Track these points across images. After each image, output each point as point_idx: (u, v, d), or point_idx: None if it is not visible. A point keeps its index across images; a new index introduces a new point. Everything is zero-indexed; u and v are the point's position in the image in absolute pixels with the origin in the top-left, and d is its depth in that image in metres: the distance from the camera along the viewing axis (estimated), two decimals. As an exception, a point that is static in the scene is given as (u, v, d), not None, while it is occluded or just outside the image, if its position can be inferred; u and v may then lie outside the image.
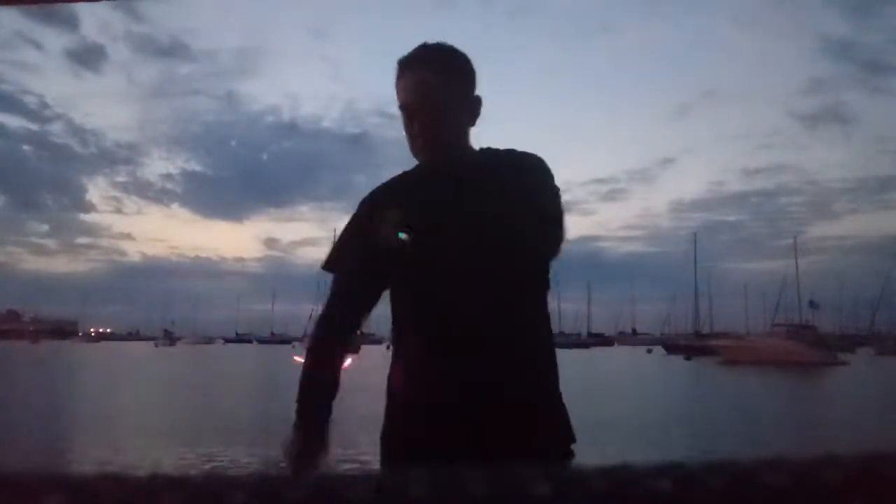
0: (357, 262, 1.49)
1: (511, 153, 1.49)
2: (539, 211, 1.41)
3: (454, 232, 1.41)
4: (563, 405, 1.48)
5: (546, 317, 1.50)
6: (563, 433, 1.46)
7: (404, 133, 1.45)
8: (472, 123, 1.48)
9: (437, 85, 1.40)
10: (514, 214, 1.39)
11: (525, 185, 1.42)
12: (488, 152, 1.51)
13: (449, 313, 1.40)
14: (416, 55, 1.43)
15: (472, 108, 1.47)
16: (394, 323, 1.51)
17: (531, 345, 1.44)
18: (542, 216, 1.41)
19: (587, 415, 11.85)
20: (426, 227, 1.41)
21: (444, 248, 1.40)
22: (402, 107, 1.43)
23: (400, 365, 1.48)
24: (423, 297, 1.45)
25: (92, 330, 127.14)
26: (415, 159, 1.48)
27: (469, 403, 1.36)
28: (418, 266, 1.42)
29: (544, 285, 1.49)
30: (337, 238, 1.60)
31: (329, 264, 1.55)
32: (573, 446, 1.46)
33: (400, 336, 1.50)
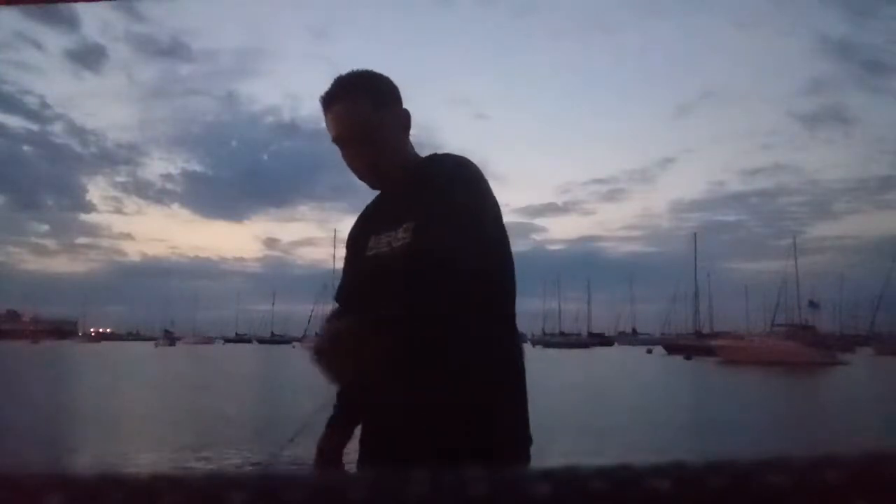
0: (344, 290, 1.62)
1: (439, 164, 1.48)
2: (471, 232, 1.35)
3: (386, 251, 1.45)
4: (507, 419, 1.40)
5: (491, 328, 1.42)
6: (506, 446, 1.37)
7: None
8: (405, 135, 1.53)
9: (361, 111, 1.44)
10: (449, 230, 1.34)
11: (455, 198, 1.38)
12: (424, 164, 1.51)
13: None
14: (334, 88, 1.47)
15: (400, 122, 1.51)
16: None
17: (467, 359, 1.36)
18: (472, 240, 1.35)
19: (588, 415, 11.87)
20: (365, 249, 1.51)
21: (378, 268, 1.46)
22: (334, 139, 1.47)
23: None
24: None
25: (92, 330, 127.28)
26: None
27: (392, 428, 1.39)
28: (359, 284, 1.52)
29: (489, 299, 1.40)
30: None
31: (336, 296, 1.66)
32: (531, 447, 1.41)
33: None
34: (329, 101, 1.46)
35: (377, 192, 1.60)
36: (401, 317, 1.30)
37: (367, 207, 1.65)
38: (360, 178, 1.51)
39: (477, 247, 1.35)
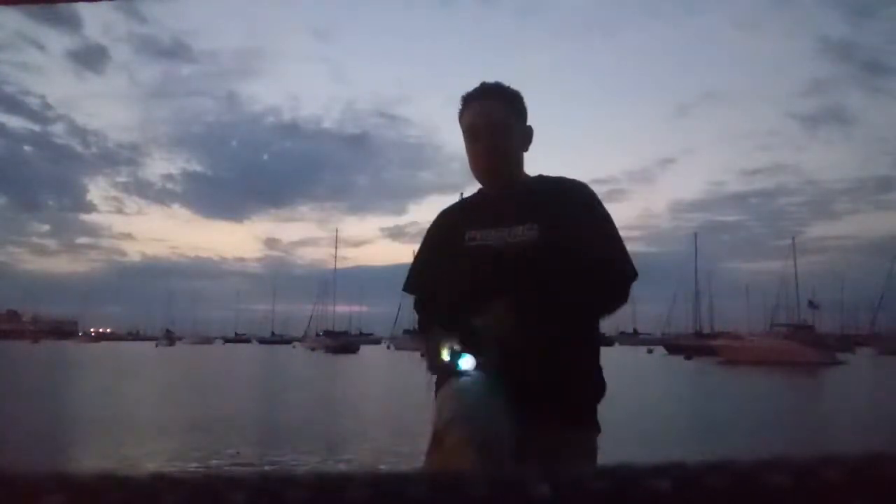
0: (428, 278, 1.74)
1: (561, 181, 1.70)
2: (589, 248, 1.56)
3: (494, 248, 1.60)
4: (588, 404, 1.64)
5: (584, 336, 1.64)
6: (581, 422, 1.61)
7: (466, 154, 1.69)
8: (526, 149, 1.71)
9: (501, 111, 1.65)
10: (558, 240, 1.55)
11: (570, 215, 1.59)
12: (540, 179, 1.71)
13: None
14: (481, 89, 1.68)
15: (524, 135, 1.70)
16: None
17: (555, 361, 1.54)
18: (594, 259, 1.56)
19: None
20: (461, 241, 1.64)
21: (483, 264, 1.58)
22: (469, 128, 1.66)
23: None
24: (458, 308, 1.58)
25: (92, 330, 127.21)
26: (475, 181, 1.72)
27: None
28: (458, 278, 1.61)
29: (587, 309, 1.62)
30: (413, 259, 1.83)
31: (409, 287, 1.79)
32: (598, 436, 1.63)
33: None
34: (475, 96, 1.67)
35: (465, 198, 1.78)
36: (534, 298, 1.50)
37: (457, 206, 1.79)
38: (479, 170, 1.67)
39: (594, 248, 1.57)
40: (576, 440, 1.56)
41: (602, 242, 1.60)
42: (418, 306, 1.80)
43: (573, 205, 1.61)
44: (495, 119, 1.64)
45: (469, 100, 1.69)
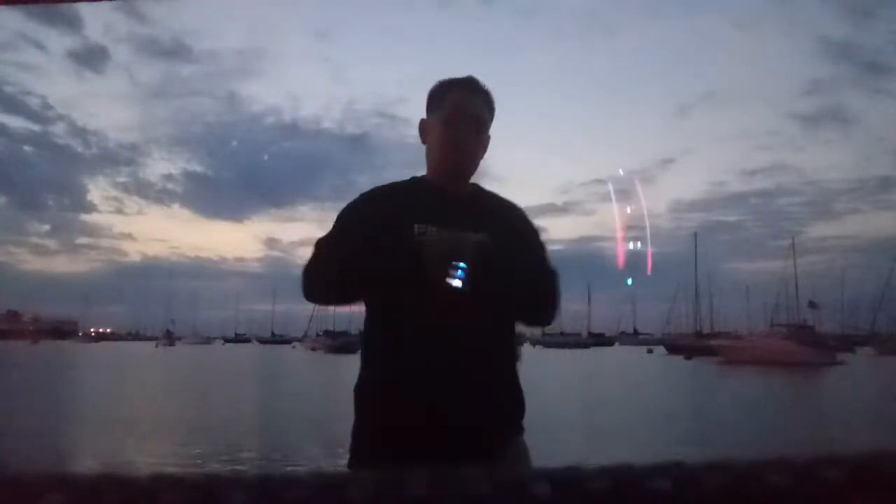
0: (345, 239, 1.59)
1: (502, 198, 1.72)
2: (529, 262, 1.60)
3: (439, 244, 1.53)
4: (514, 399, 1.61)
5: (509, 327, 1.64)
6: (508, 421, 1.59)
7: (428, 140, 1.66)
8: (482, 157, 1.69)
9: (488, 111, 1.65)
10: (502, 246, 1.55)
11: (515, 226, 1.64)
12: (482, 190, 1.71)
13: (415, 319, 1.52)
14: (469, 80, 1.66)
15: (488, 141, 1.69)
16: (367, 323, 1.62)
17: (489, 348, 1.55)
18: (533, 274, 1.60)
19: (588, 415, 11.87)
20: (407, 231, 1.55)
21: (425, 257, 1.51)
22: (451, 114, 1.62)
23: (368, 364, 1.60)
24: (396, 305, 1.55)
25: (92, 330, 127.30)
26: (422, 167, 1.67)
27: (428, 400, 1.48)
28: (410, 273, 1.50)
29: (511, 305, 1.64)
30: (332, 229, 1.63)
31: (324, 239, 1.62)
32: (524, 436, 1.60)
33: (370, 336, 1.61)
34: (463, 84, 1.65)
35: (408, 181, 1.70)
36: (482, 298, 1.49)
37: (395, 194, 1.65)
38: (445, 159, 1.63)
39: (532, 261, 1.61)
40: (506, 452, 1.54)
41: (542, 257, 1.66)
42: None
43: (518, 221, 1.68)
44: (478, 112, 1.63)
45: (455, 85, 1.65)
